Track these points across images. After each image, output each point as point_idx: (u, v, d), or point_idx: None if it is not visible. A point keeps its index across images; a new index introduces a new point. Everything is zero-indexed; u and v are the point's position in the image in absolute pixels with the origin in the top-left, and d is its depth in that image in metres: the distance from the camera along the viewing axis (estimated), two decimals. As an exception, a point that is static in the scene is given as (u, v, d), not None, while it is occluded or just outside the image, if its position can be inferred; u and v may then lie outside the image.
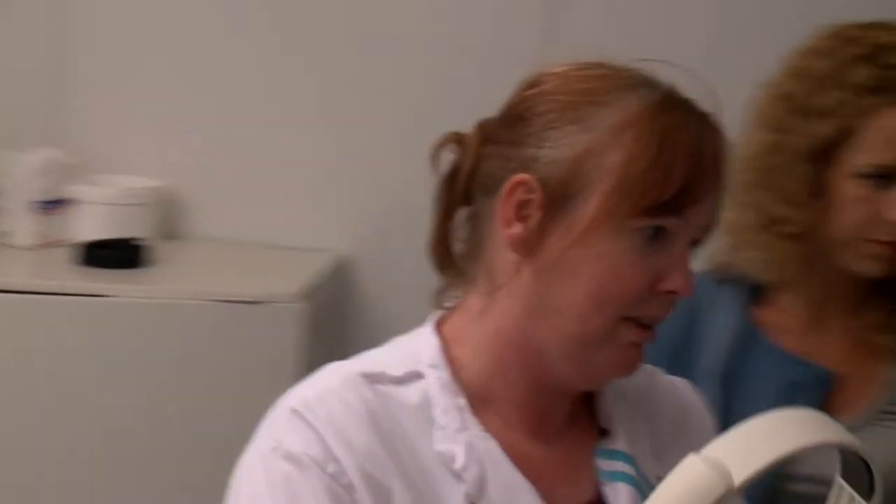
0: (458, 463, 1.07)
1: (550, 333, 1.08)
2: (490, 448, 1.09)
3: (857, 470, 0.95)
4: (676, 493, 0.88)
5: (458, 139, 1.13)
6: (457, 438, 1.08)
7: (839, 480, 0.97)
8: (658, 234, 1.06)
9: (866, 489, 0.95)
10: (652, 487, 1.10)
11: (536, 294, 1.08)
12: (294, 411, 1.06)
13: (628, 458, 1.15)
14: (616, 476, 1.14)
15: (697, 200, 1.06)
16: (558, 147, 1.07)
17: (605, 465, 1.14)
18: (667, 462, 1.11)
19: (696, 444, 1.09)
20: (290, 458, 1.05)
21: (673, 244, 1.07)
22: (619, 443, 1.16)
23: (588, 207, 1.05)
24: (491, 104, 1.14)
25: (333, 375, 1.09)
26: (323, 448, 1.04)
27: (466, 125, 1.13)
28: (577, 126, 1.06)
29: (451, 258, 1.14)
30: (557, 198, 1.06)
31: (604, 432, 1.17)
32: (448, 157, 1.13)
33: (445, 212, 1.13)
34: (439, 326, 1.14)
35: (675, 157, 1.05)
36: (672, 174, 1.05)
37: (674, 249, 1.07)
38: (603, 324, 1.07)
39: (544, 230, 1.07)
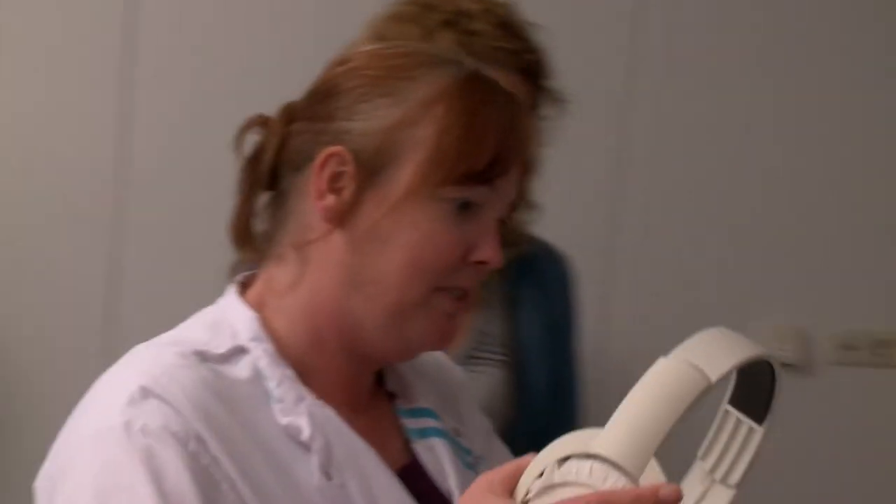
0: (305, 434, 1.07)
1: (366, 304, 1.09)
2: (329, 416, 1.09)
3: (748, 398, 0.94)
4: (655, 393, 0.83)
5: (262, 121, 1.13)
6: (297, 410, 1.08)
7: (725, 407, 0.96)
8: (469, 206, 1.09)
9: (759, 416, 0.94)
10: (454, 440, 1.17)
11: (351, 266, 1.09)
12: (145, 388, 1.03)
13: (432, 413, 1.19)
14: (426, 432, 1.17)
15: (507, 172, 1.09)
16: (370, 119, 1.08)
17: (411, 423, 1.17)
18: (457, 415, 1.22)
19: (464, 398, 1.20)
20: (149, 433, 1.02)
21: (483, 215, 1.10)
22: (420, 400, 1.19)
23: (401, 177, 1.07)
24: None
25: (165, 354, 1.08)
26: (184, 424, 1.02)
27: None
28: (388, 99, 1.09)
29: (251, 237, 1.15)
30: (370, 169, 1.08)
31: (392, 395, 1.19)
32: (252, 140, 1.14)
33: (247, 194, 1.14)
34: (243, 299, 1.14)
35: (487, 128, 1.08)
36: (483, 145, 1.08)
37: (484, 221, 1.10)
38: (417, 294, 1.08)
39: (358, 201, 1.08)
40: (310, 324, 1.11)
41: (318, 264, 1.10)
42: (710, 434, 0.98)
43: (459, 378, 1.29)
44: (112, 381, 1.07)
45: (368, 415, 1.15)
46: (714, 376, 0.86)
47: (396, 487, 1.11)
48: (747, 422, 0.95)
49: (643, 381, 0.85)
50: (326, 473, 1.06)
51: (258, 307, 1.12)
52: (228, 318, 1.12)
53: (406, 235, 1.07)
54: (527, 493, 0.88)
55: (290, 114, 1.13)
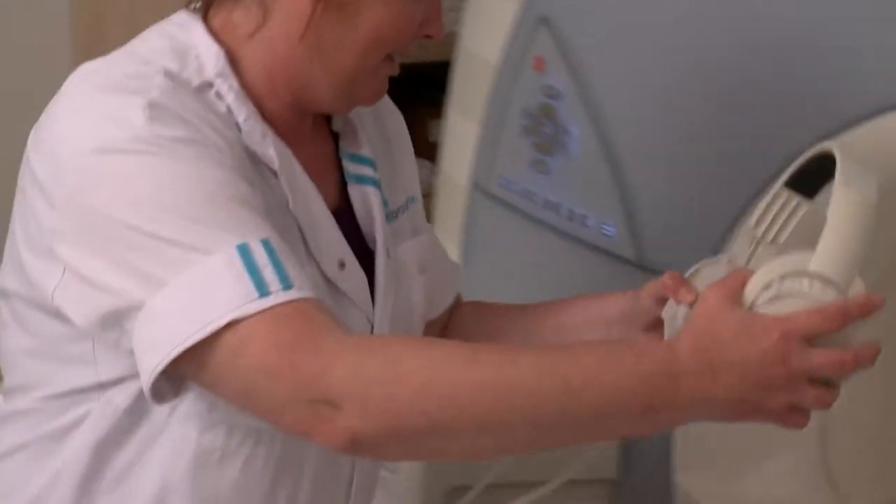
0: (275, 164, 1.15)
1: (323, 67, 1.16)
2: (287, 153, 1.17)
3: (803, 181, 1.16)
4: (849, 221, 0.99)
5: None
6: (265, 143, 1.14)
7: (779, 188, 1.16)
8: None
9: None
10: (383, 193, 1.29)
11: (318, 28, 1.14)
12: (155, 104, 1.07)
13: (371, 163, 1.27)
14: (363, 179, 1.26)
15: None
16: None
17: (352, 168, 1.26)
18: (390, 162, 1.33)
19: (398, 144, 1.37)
20: (181, 140, 1.06)
21: None
22: (364, 149, 1.27)
23: None
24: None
25: (152, 75, 1.10)
26: (203, 135, 1.08)
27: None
28: None
29: None
30: None
31: (336, 136, 1.28)
32: None
33: None
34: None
35: None
36: None
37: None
38: (373, 62, 1.17)
39: None
40: (263, 73, 1.16)
41: (282, 18, 1.14)
42: (761, 207, 1.18)
43: (396, 123, 1.38)
44: (111, 105, 1.08)
45: (310, 154, 1.22)
46: (874, 197, 1.02)
47: (334, 228, 1.19)
48: (797, 197, 1.16)
49: (836, 212, 1.00)
50: (289, 201, 1.15)
51: (220, 44, 1.16)
52: (195, 49, 1.15)
53: (377, 9, 1.14)
54: (754, 302, 1.01)
55: None
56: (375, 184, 1.27)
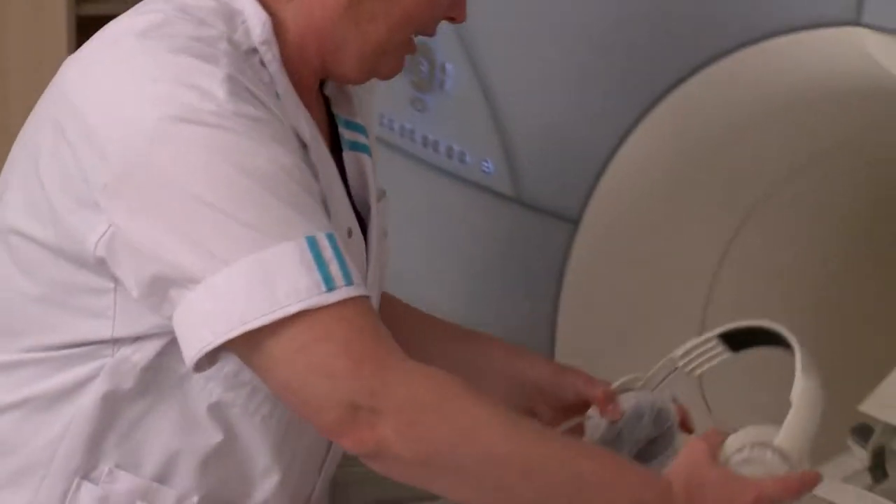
0: (307, 137, 1.13)
1: (356, 37, 1.15)
2: (313, 124, 1.16)
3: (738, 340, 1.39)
4: (809, 410, 1.21)
5: None
6: (298, 114, 1.13)
7: (712, 335, 1.37)
8: None
9: None
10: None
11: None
12: (233, 78, 1.05)
13: (364, 131, 1.28)
14: (356, 146, 1.25)
15: None
16: None
17: (347, 134, 1.25)
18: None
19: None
20: (258, 120, 1.05)
21: None
22: (358, 116, 1.27)
23: None
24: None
25: (215, 38, 1.09)
26: (272, 115, 1.07)
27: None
28: None
29: None
30: None
31: (327, 100, 1.26)
32: None
33: None
34: None
35: None
36: None
37: None
38: (403, 39, 1.18)
39: None
40: (298, 39, 1.15)
41: None
42: (691, 344, 1.37)
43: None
44: (188, 71, 1.05)
45: (315, 120, 1.20)
46: (823, 385, 1.23)
47: (344, 196, 1.20)
48: (723, 347, 1.37)
49: (799, 399, 1.19)
50: (319, 173, 1.14)
51: (264, 8, 1.14)
52: (242, 14, 1.12)
53: None
54: (728, 459, 1.16)
55: None
56: (367, 151, 1.27)
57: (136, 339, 1.10)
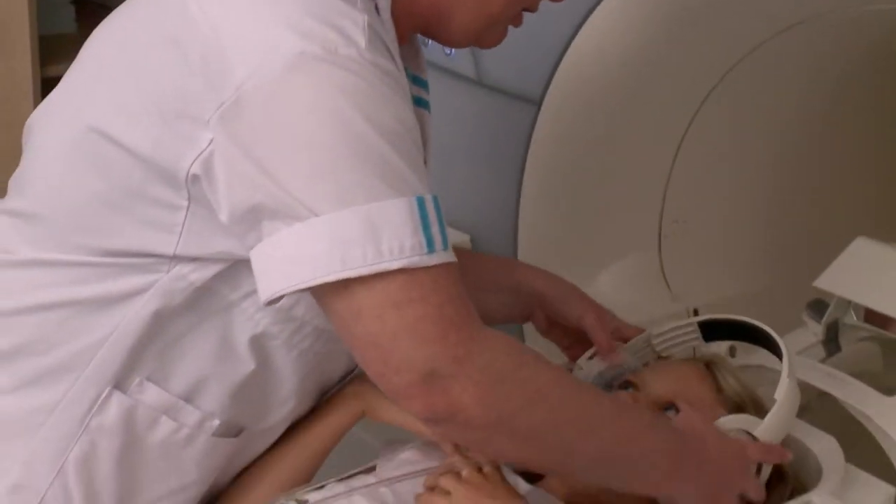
0: (407, 93, 1.10)
1: (475, 5, 1.15)
2: (406, 78, 1.13)
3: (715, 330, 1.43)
4: (788, 409, 1.26)
5: None
6: (399, 68, 1.09)
7: (691, 320, 1.41)
8: None
9: None
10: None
11: None
12: (371, 27, 1.04)
13: (427, 87, 1.27)
14: (421, 102, 1.24)
15: None
16: None
17: (414, 90, 1.22)
18: None
19: None
20: (389, 73, 1.04)
21: None
22: (424, 73, 1.26)
23: None
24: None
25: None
26: (397, 67, 1.07)
27: None
28: None
29: None
30: None
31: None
32: None
33: None
34: None
35: None
36: None
37: None
38: (515, 12, 1.18)
39: None
40: (407, 7, 1.13)
41: None
42: (670, 325, 1.41)
43: None
44: (329, 11, 1.03)
45: None
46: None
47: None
48: (697, 335, 1.41)
49: (781, 397, 1.25)
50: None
51: None
52: None
53: None
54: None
55: None
56: (429, 108, 1.26)
57: (196, 259, 1.08)
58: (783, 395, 1.24)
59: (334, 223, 0.98)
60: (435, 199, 1.02)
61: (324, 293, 1.01)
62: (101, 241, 1.09)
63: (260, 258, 1.02)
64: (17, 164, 1.19)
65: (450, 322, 0.99)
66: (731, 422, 1.23)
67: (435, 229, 1.01)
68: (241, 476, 1.24)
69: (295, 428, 1.25)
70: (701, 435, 1.18)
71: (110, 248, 1.09)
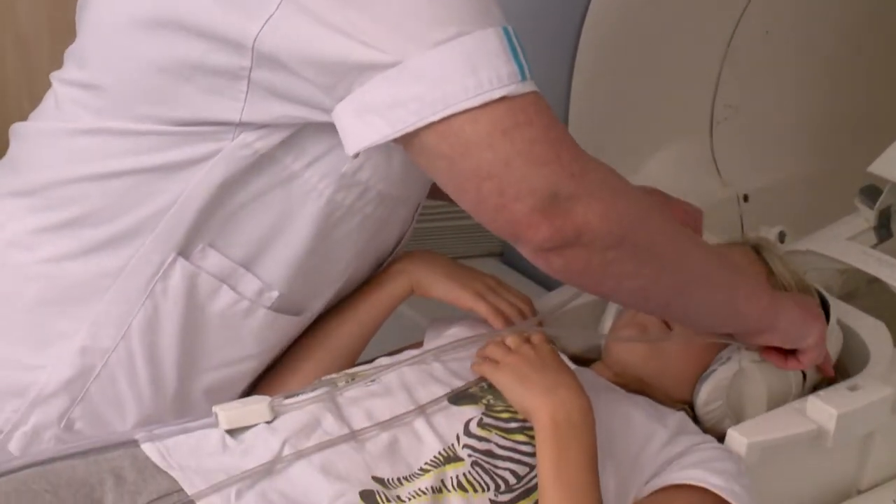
0: None
1: None
2: None
3: None
4: None
5: None
6: None
7: None
8: None
9: None
10: None
11: None
12: None
13: None
14: None
15: None
16: None
17: None
18: None
19: None
20: None
21: None
22: None
23: None
24: None
25: None
26: None
27: None
28: None
29: None
30: None
31: None
32: None
33: None
34: None
35: None
36: None
37: None
38: None
39: None
40: None
41: None
42: None
43: None
44: None
45: None
46: None
47: None
48: None
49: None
50: None
51: None
52: None
53: None
54: None
55: None
56: None
57: (261, 126, 1.07)
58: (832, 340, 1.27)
59: (428, 62, 0.96)
60: (514, 29, 0.99)
61: (427, 137, 0.98)
62: (165, 111, 1.09)
63: (348, 111, 0.99)
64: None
65: (560, 142, 0.98)
66: None
67: (522, 57, 0.98)
68: (290, 351, 1.26)
69: (344, 304, 1.27)
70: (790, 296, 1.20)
71: (175, 118, 1.09)
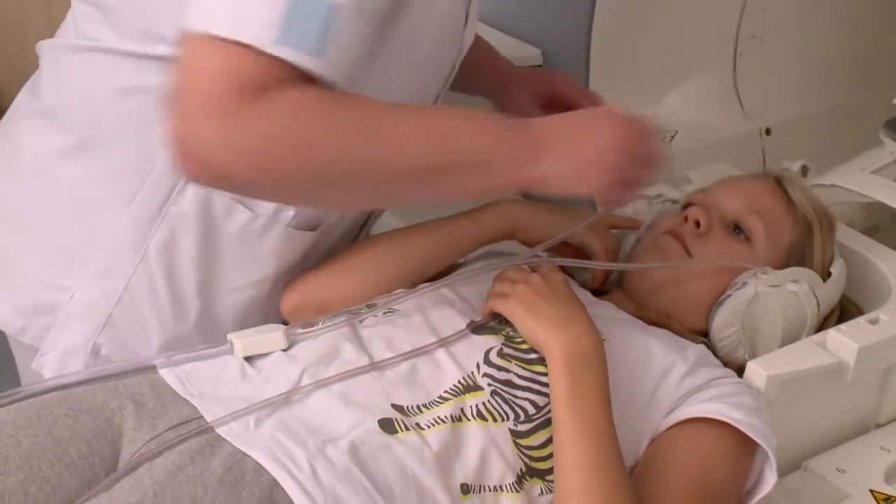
0: None
1: None
2: None
3: None
4: None
5: None
6: None
7: None
8: None
9: None
10: None
11: None
12: None
13: None
14: None
15: None
16: None
17: None
18: None
19: None
20: None
21: None
22: None
23: None
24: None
25: None
26: None
27: None
28: None
29: None
30: None
31: None
32: None
33: None
34: None
35: None
36: None
37: None
38: None
39: None
40: None
41: None
42: None
43: None
44: None
45: None
46: None
47: None
48: None
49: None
50: None
51: None
52: None
53: None
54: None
55: None
56: None
57: None
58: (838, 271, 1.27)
59: None
60: None
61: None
62: (168, 32, 1.04)
63: None
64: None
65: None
66: (797, 274, 1.23)
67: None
68: (363, 248, 1.24)
69: (438, 226, 1.25)
70: (563, 119, 1.06)
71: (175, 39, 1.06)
